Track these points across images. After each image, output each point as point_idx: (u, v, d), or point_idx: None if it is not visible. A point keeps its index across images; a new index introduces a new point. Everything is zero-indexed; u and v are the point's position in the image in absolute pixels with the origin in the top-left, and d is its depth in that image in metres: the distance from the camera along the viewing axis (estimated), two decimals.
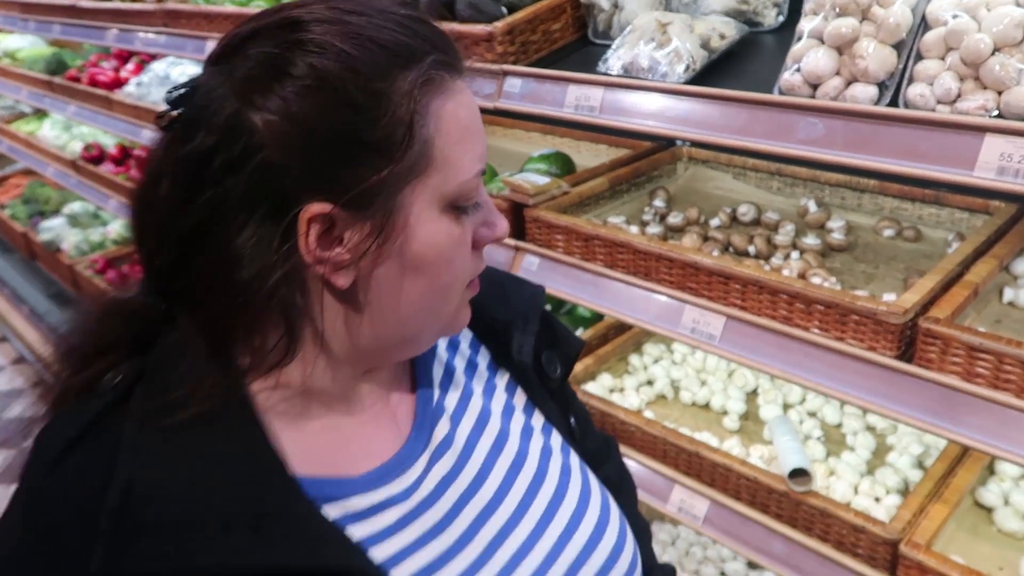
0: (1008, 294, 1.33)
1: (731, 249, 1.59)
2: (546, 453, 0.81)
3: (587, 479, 0.82)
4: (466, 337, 0.84)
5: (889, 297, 1.28)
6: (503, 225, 0.71)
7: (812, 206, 1.70)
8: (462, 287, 0.70)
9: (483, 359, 0.84)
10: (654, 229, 1.64)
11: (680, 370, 1.92)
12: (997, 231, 1.42)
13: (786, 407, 1.77)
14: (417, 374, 0.77)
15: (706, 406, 1.84)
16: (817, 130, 1.06)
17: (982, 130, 0.94)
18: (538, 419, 0.84)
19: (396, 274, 0.64)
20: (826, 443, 1.70)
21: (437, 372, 0.78)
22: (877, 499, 1.51)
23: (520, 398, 0.83)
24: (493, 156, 2.32)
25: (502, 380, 0.83)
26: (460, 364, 0.81)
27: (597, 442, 0.99)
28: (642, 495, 1.62)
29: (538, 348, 0.84)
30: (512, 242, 1.66)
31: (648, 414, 1.78)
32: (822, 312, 1.23)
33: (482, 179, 0.68)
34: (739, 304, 1.33)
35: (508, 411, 0.82)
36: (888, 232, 1.61)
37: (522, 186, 1.61)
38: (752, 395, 1.86)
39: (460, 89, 0.66)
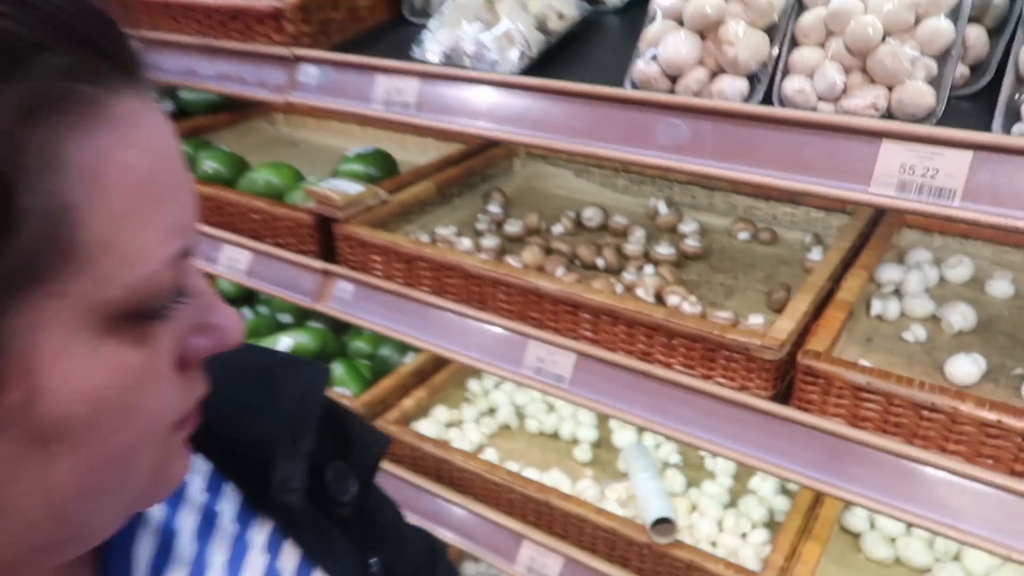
0: (876, 306, 1.20)
1: (577, 262, 1.38)
2: None
3: None
4: (200, 473, 0.55)
5: (756, 320, 1.11)
6: (231, 324, 0.43)
7: (662, 208, 1.53)
8: (161, 438, 0.41)
9: (229, 504, 0.55)
10: (490, 241, 1.40)
11: (525, 394, 1.70)
12: (860, 235, 1.30)
13: (640, 428, 1.60)
14: (108, 565, 0.47)
15: (555, 435, 1.64)
16: (680, 133, 0.86)
17: (877, 135, 0.76)
18: None
19: (18, 452, 0.35)
20: (685, 469, 1.54)
21: (143, 550, 0.49)
22: (744, 535, 1.36)
23: (290, 557, 0.55)
24: (302, 155, 2.00)
25: (261, 533, 0.55)
26: (188, 523, 0.52)
27: (417, 559, 0.73)
28: (486, 555, 1.39)
29: (319, 462, 0.57)
30: (320, 265, 1.36)
31: (490, 452, 1.55)
32: (687, 345, 1.03)
33: (188, 259, 0.40)
34: (590, 337, 1.12)
35: None
36: (743, 235, 1.47)
37: (329, 196, 1.32)
38: (604, 418, 1.67)
39: (132, 113, 0.36)
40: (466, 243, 1.36)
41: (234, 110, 2.00)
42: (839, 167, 0.78)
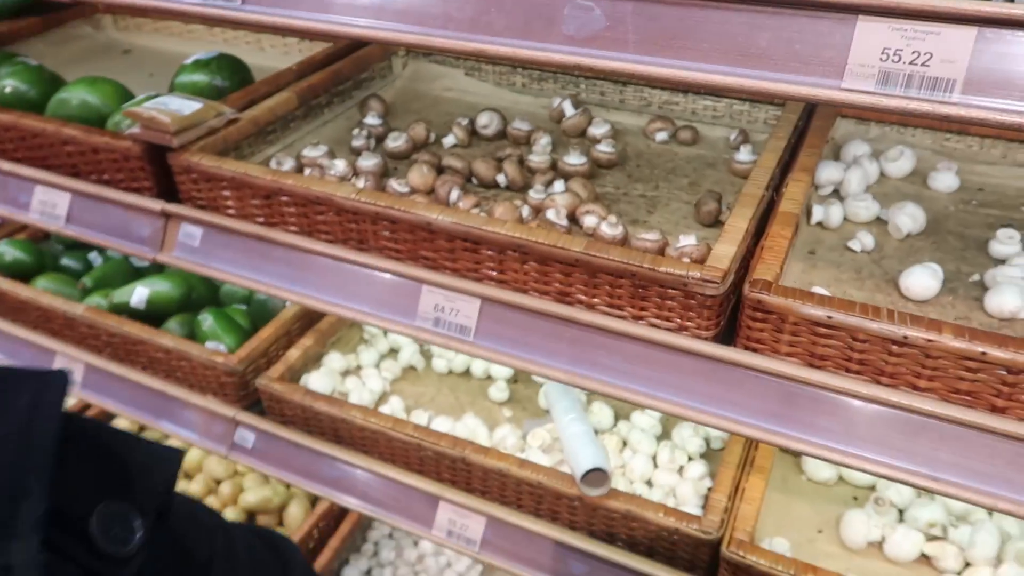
0: (817, 213, 1.05)
1: (474, 181, 1.17)
2: None
3: None
4: None
5: (687, 241, 0.94)
6: None
7: (568, 108, 1.32)
8: None
9: None
10: (369, 161, 1.16)
11: None
12: (795, 131, 1.13)
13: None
14: None
15: (466, 374, 1.47)
16: (592, 20, 0.64)
17: (853, 10, 0.57)
18: None
19: None
20: (609, 400, 1.40)
21: None
22: (680, 469, 1.24)
23: None
24: (136, 66, 1.64)
25: None
26: None
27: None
28: (399, 521, 1.23)
29: (74, 512, 0.40)
30: (158, 205, 1.10)
31: (395, 401, 1.37)
32: (612, 282, 0.86)
33: None
34: (496, 278, 0.93)
35: None
36: (661, 136, 1.28)
37: (157, 119, 1.05)
38: None
39: None
40: (340, 166, 1.13)
41: (45, 12, 1.64)
42: (803, 56, 0.59)
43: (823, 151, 1.17)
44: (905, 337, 0.74)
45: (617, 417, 1.35)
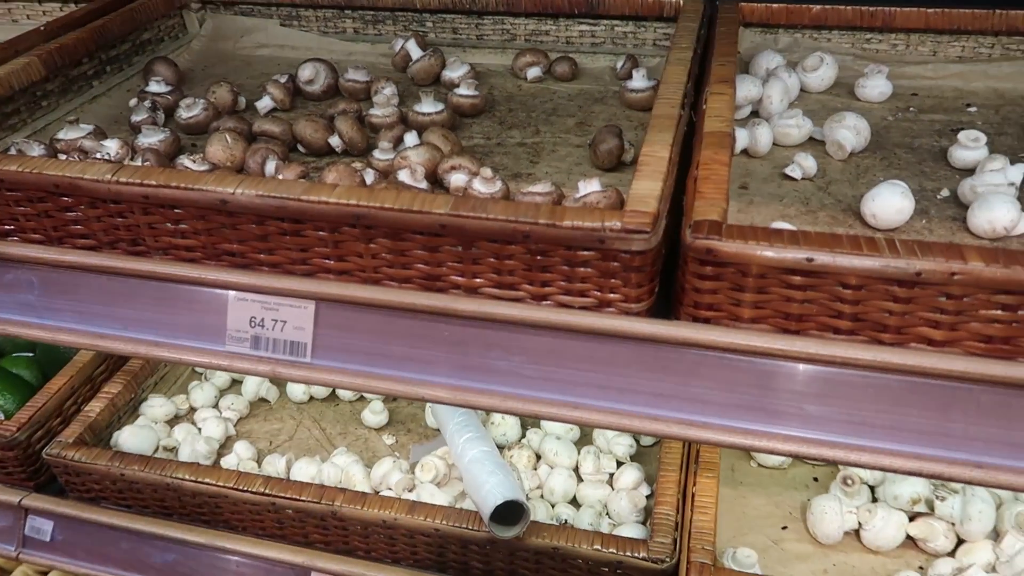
0: (741, 138, 0.83)
1: (302, 149, 0.88)
2: None
3: None
4: None
5: (590, 188, 0.69)
6: None
7: (414, 49, 1.05)
8: None
9: None
10: (152, 138, 0.85)
11: None
12: (699, 41, 0.90)
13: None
14: None
15: (332, 396, 1.17)
16: None
17: None
18: None
19: None
20: None
21: None
22: (610, 479, 1.00)
23: None
24: None
25: None
26: None
27: None
28: None
29: None
30: None
31: (241, 449, 1.06)
32: (496, 252, 0.60)
33: None
34: (334, 267, 0.65)
35: None
36: (534, 71, 1.03)
37: None
38: None
39: None
40: (112, 147, 0.81)
41: None
42: None
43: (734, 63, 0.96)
44: (918, 273, 0.52)
45: (524, 426, 1.10)
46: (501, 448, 1.06)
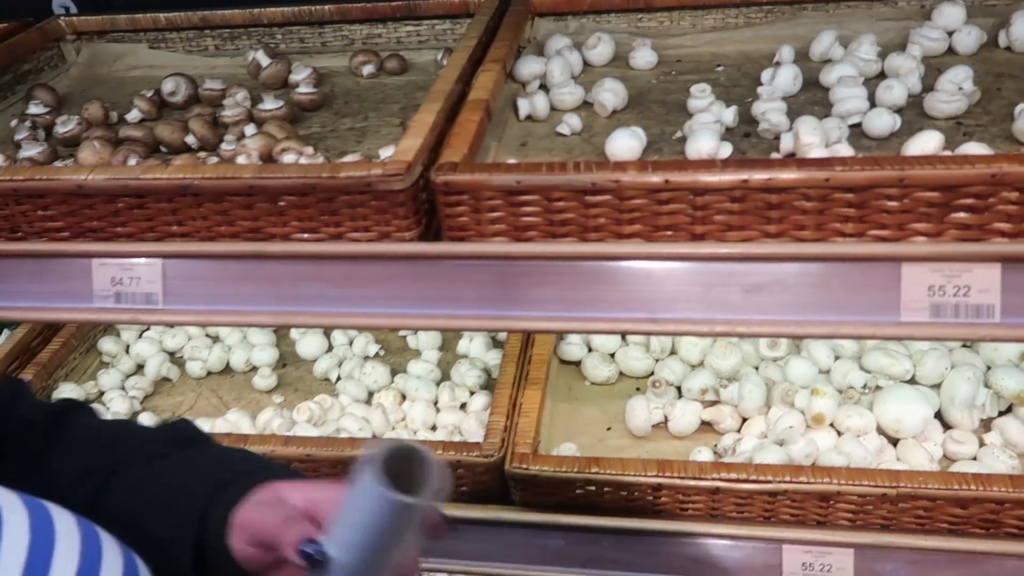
0: (523, 107, 1.02)
1: (164, 149, 1.04)
2: None
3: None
4: None
5: (388, 152, 0.87)
6: None
7: (263, 58, 1.22)
8: None
9: None
10: (31, 151, 1.01)
11: (178, 335, 1.36)
12: (487, 31, 1.09)
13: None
14: None
15: (227, 369, 1.33)
16: None
17: None
18: None
19: None
20: (388, 357, 1.33)
21: None
22: (463, 406, 1.19)
23: None
24: None
25: None
26: None
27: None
28: None
29: None
30: None
31: (147, 419, 1.22)
32: (298, 204, 0.77)
33: None
34: (177, 232, 0.81)
35: None
36: (368, 69, 1.21)
37: None
38: (282, 332, 1.40)
39: None
40: None
41: None
42: None
43: (526, 50, 1.15)
44: (593, 184, 0.71)
45: (394, 373, 1.27)
46: (371, 393, 1.23)
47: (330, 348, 1.33)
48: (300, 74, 1.19)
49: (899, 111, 0.92)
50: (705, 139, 0.87)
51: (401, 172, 0.74)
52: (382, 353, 1.32)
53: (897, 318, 0.70)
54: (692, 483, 0.93)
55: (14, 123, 1.10)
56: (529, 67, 1.07)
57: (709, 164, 0.71)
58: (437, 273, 0.76)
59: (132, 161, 0.97)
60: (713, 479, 0.92)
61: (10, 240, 0.84)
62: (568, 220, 0.74)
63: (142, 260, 0.80)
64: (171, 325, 0.81)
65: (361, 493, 0.48)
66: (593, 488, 0.96)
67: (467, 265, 0.76)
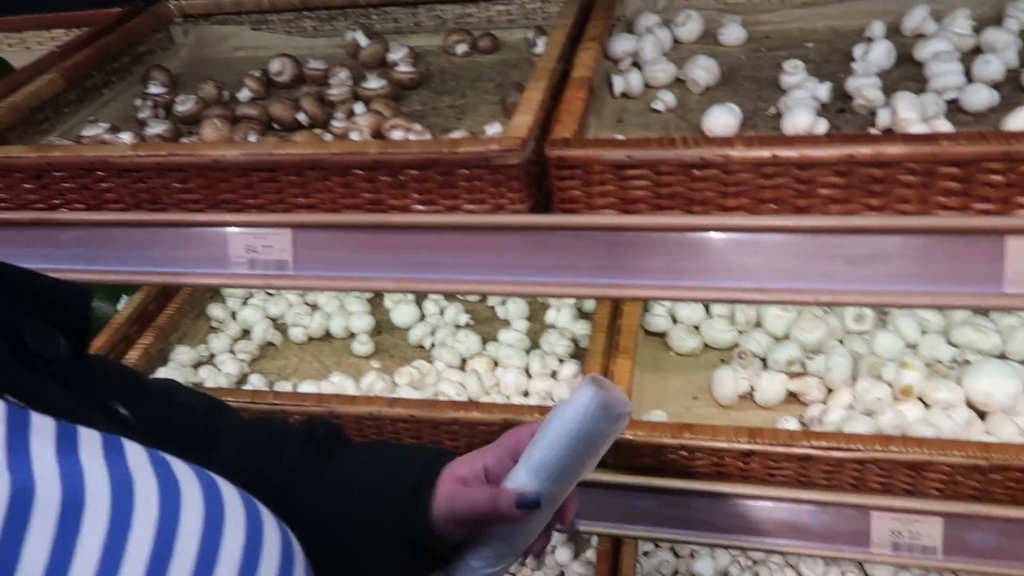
0: (618, 84, 1.05)
1: (276, 127, 1.11)
2: (120, 482, 0.42)
3: (187, 486, 0.45)
4: None
5: (493, 130, 0.92)
6: None
7: (361, 39, 1.27)
8: None
9: None
10: (156, 128, 1.08)
11: (279, 302, 1.44)
12: (581, 10, 1.13)
13: (400, 293, 1.41)
14: None
15: (327, 336, 1.41)
16: None
17: None
18: (43, 434, 0.43)
19: None
20: (477, 326, 1.38)
21: None
22: (554, 373, 1.24)
23: None
24: None
25: None
26: None
27: (162, 395, 0.67)
28: None
29: (7, 323, 0.47)
30: None
31: (255, 380, 1.30)
32: (418, 178, 0.83)
33: None
34: (304, 204, 0.88)
35: None
36: (461, 48, 1.26)
37: None
38: (377, 300, 1.47)
39: None
40: (125, 138, 1.04)
41: None
42: None
43: (616, 28, 1.18)
44: (702, 158, 0.75)
45: (485, 342, 1.33)
46: (465, 360, 1.29)
47: (422, 317, 1.39)
48: (397, 53, 1.24)
49: (996, 86, 0.93)
50: (801, 115, 0.90)
51: (516, 147, 0.78)
52: (472, 322, 1.38)
53: (1000, 289, 0.72)
54: (782, 450, 0.97)
55: (138, 102, 1.18)
56: (622, 45, 1.10)
57: (815, 139, 0.74)
58: (550, 243, 0.81)
59: (252, 137, 1.04)
60: (803, 446, 0.95)
61: (152, 211, 0.91)
62: (675, 193, 0.78)
63: (274, 230, 0.87)
64: (301, 290, 0.87)
65: (579, 410, 0.58)
66: (685, 453, 1.00)
67: (578, 236, 0.80)
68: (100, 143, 1.03)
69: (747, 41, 1.16)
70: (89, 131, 1.08)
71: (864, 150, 0.73)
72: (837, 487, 0.99)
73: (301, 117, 1.10)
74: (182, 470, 0.45)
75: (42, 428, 0.43)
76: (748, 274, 0.77)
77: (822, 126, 0.90)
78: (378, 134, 1.01)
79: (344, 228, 0.86)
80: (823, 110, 0.95)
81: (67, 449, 0.43)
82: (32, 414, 0.43)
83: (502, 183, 0.81)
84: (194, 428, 0.66)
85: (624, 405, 0.59)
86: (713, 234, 0.77)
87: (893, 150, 0.72)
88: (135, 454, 0.45)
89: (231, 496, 0.46)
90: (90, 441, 0.44)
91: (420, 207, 0.83)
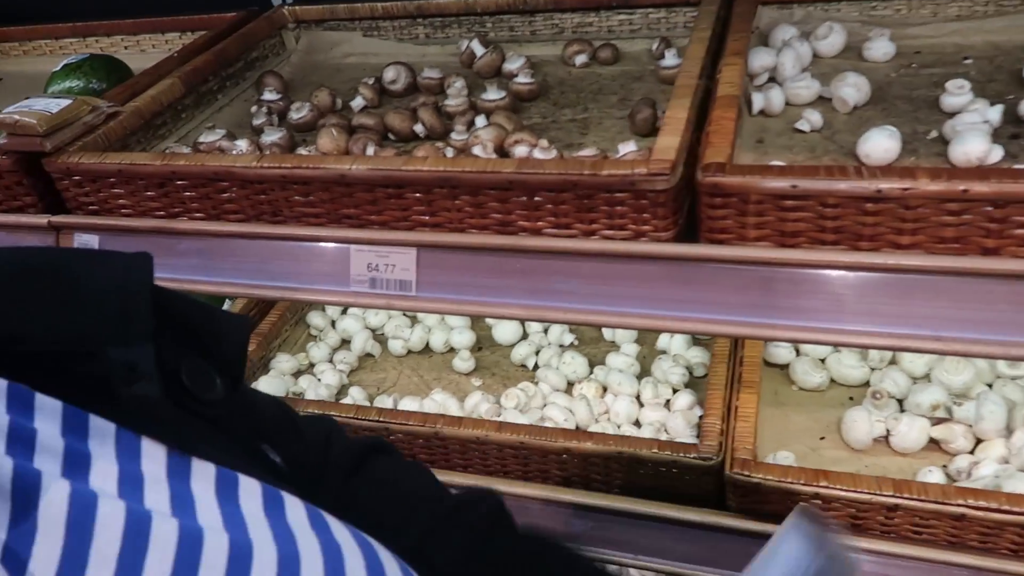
0: (757, 101, 0.98)
1: (392, 137, 1.07)
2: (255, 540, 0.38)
3: (337, 544, 0.41)
4: None
5: (628, 148, 0.86)
6: None
7: (478, 48, 1.23)
8: None
9: (47, 419, 0.38)
10: (273, 136, 1.06)
11: (379, 313, 1.42)
12: (717, 20, 1.06)
13: (524, 320, 1.36)
14: None
15: (426, 349, 1.37)
16: None
17: None
18: (203, 477, 0.42)
19: None
20: (583, 347, 1.33)
21: None
22: (667, 403, 1.17)
23: (153, 454, 0.40)
24: (6, 94, 1.49)
25: (103, 438, 0.39)
26: None
27: (318, 438, 0.62)
28: None
29: (167, 360, 0.44)
30: (43, 219, 0.98)
31: (355, 392, 1.28)
32: (553, 200, 0.77)
33: None
34: (429, 222, 0.83)
35: (134, 486, 0.39)
36: (581, 58, 1.20)
37: (22, 123, 0.93)
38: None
39: None
40: (242, 145, 1.02)
41: None
42: None
43: (751, 40, 1.10)
44: (879, 191, 0.67)
45: (592, 364, 1.27)
46: (571, 383, 1.24)
47: (525, 335, 1.34)
48: (515, 63, 1.19)
49: None
50: (975, 141, 0.81)
51: (666, 172, 0.72)
52: (577, 343, 1.32)
53: None
54: (932, 507, 0.88)
55: (253, 109, 1.17)
56: (760, 60, 1.03)
57: (1015, 173, 0.66)
58: (695, 276, 0.75)
59: (370, 149, 1.00)
60: (959, 505, 0.86)
61: (273, 223, 0.89)
62: (841, 228, 0.71)
63: (396, 248, 0.83)
64: (425, 312, 0.83)
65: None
66: (819, 502, 0.92)
67: (726, 269, 0.74)
68: (219, 151, 1.01)
69: (895, 56, 1.07)
70: (207, 137, 1.06)
71: None
72: (993, 551, 0.89)
73: (418, 128, 1.06)
74: (342, 535, 0.42)
75: (203, 472, 0.41)
76: (923, 321, 0.69)
77: (997, 154, 0.81)
78: (500, 149, 0.97)
79: (471, 250, 0.81)
80: (994, 136, 0.86)
81: (228, 497, 0.40)
82: (193, 460, 0.41)
83: (645, 210, 0.75)
84: (339, 481, 0.61)
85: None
86: (884, 275, 0.70)
87: None
88: (295, 509, 0.41)
89: (391, 567, 0.42)
90: (250, 491, 0.41)
91: (553, 230, 0.78)
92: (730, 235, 0.74)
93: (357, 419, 1.10)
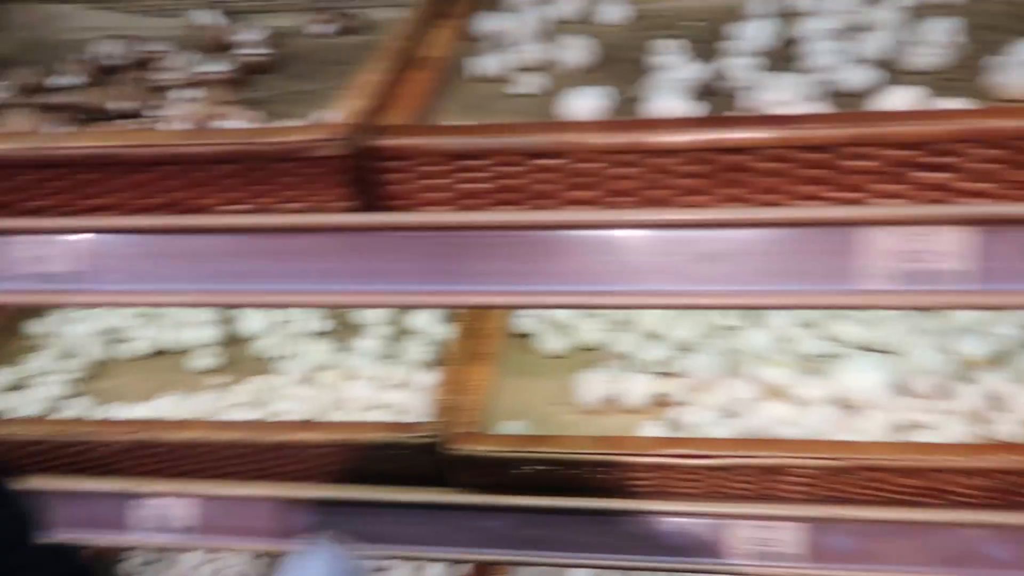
0: (475, 65, 0.96)
1: (99, 117, 0.97)
2: None
3: None
4: None
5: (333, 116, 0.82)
6: None
7: (209, 18, 1.14)
8: None
9: None
10: None
11: (117, 315, 1.30)
12: None
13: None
14: None
15: (166, 351, 1.27)
16: None
17: None
18: None
19: None
20: (340, 329, 1.27)
21: None
22: (405, 384, 1.14)
23: None
24: None
25: None
26: None
27: None
28: (97, 537, 1.04)
29: None
30: None
31: (83, 402, 1.16)
32: (228, 173, 0.72)
33: None
34: (102, 205, 0.75)
35: None
36: (318, 28, 1.14)
37: None
38: (227, 310, 1.34)
39: None
40: None
41: None
42: None
43: (483, 4, 1.09)
44: (549, 146, 0.67)
45: (340, 349, 1.23)
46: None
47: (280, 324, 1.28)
48: (249, 34, 1.11)
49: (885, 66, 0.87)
50: (669, 98, 0.83)
51: (339, 136, 0.69)
52: (334, 327, 1.27)
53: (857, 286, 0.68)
54: (637, 460, 0.91)
55: None
56: (487, 23, 1.02)
57: (667, 123, 0.68)
58: (379, 246, 0.72)
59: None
60: (659, 455, 0.90)
61: None
62: (518, 187, 0.70)
63: (58, 236, 0.75)
64: (96, 306, 0.75)
65: None
66: (542, 467, 0.93)
67: (410, 237, 0.71)
68: None
69: (637, 19, 1.07)
70: None
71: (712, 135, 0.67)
72: (695, 496, 0.93)
73: (124, 105, 0.96)
74: None
75: None
76: (590, 277, 0.70)
77: (684, 110, 0.84)
78: (200, 125, 0.90)
79: (144, 231, 0.74)
80: (696, 94, 0.88)
81: None
82: None
83: (323, 176, 0.71)
84: None
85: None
86: (570, 232, 0.70)
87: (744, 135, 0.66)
88: None
89: None
90: None
91: (228, 207, 0.72)
92: (411, 201, 0.71)
93: (64, 433, 1.00)
